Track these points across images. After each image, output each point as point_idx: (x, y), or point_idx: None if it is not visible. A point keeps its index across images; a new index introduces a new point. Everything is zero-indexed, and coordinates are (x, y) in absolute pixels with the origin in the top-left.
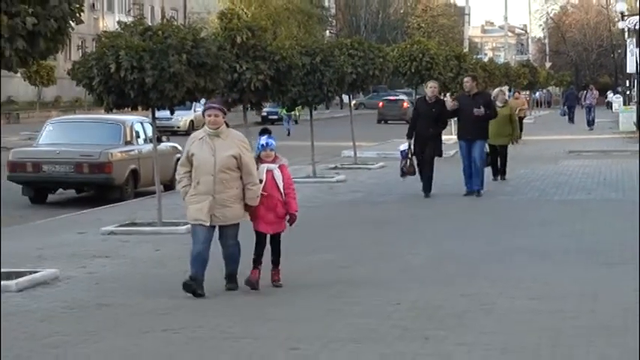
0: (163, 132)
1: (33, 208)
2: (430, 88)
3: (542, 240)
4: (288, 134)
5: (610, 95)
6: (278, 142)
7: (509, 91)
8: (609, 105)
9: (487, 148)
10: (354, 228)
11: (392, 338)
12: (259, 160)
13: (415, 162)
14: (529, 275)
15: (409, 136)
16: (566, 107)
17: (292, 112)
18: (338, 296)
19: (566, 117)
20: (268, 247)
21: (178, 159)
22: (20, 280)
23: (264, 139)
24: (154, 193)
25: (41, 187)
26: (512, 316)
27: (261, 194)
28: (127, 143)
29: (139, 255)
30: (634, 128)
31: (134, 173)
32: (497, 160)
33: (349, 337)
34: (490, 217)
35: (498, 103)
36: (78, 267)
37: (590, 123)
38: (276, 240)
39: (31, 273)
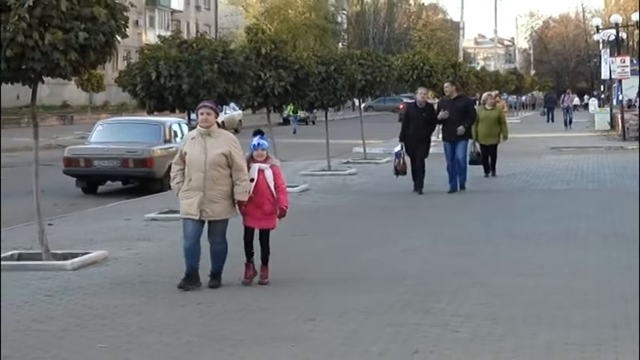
0: None
1: (85, 198)
2: (420, 95)
3: (527, 225)
4: (294, 132)
5: (586, 98)
6: (288, 139)
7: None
8: (586, 106)
9: (478, 148)
10: (364, 214)
11: (396, 310)
12: (252, 159)
13: (408, 162)
14: (516, 255)
15: (402, 139)
16: (546, 109)
17: (297, 114)
18: (349, 274)
19: (546, 117)
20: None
21: None
22: (74, 260)
23: (256, 140)
24: None
25: (92, 179)
26: (501, 291)
27: (251, 193)
28: (166, 141)
29: (177, 238)
30: (608, 127)
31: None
32: (488, 158)
33: (359, 309)
34: (481, 205)
35: (487, 107)
36: (124, 249)
37: (568, 123)
38: (264, 236)
39: (83, 254)
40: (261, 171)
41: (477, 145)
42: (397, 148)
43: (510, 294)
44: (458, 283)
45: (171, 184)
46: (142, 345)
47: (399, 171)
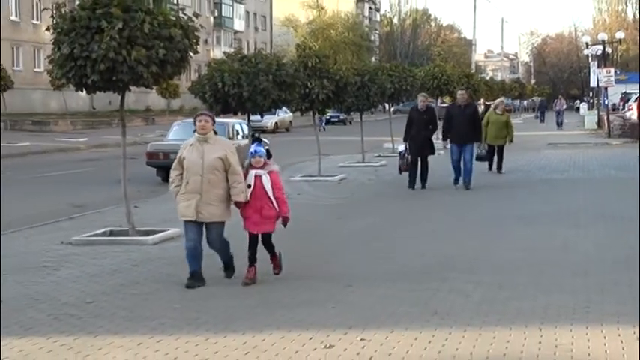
0: (255, 130)
1: (163, 185)
2: (421, 99)
3: (527, 208)
4: (324, 130)
5: (577, 102)
6: (328, 137)
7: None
8: (577, 109)
9: (486, 148)
10: (392, 200)
11: (419, 278)
12: (250, 166)
13: (410, 160)
14: (519, 233)
15: (405, 140)
16: (539, 112)
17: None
18: (380, 249)
19: (538, 119)
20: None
21: (267, 150)
22: (155, 236)
23: (253, 147)
24: None
25: (169, 170)
26: (506, 263)
27: (249, 198)
28: (230, 139)
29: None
30: (595, 127)
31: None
32: (494, 156)
33: (388, 277)
34: (487, 192)
35: (498, 112)
36: None
37: (560, 124)
38: (265, 239)
39: (162, 231)
40: (257, 177)
41: (486, 144)
42: (401, 148)
43: (513, 265)
44: (470, 256)
45: (170, 188)
46: (209, 307)
47: (403, 170)
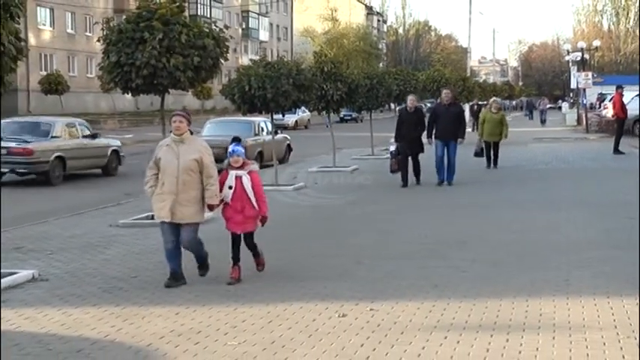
0: (278, 127)
1: None
2: (410, 101)
3: (516, 194)
4: (328, 126)
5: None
6: (342, 133)
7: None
8: (560, 108)
9: (483, 144)
10: (399, 188)
11: (421, 256)
12: (229, 166)
13: (400, 160)
14: (508, 217)
15: (396, 139)
16: (527, 110)
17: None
18: (387, 230)
19: (527, 117)
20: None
21: (288, 144)
22: None
23: (231, 147)
24: (272, 165)
25: None
26: (497, 243)
27: (230, 199)
28: (256, 135)
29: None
30: (575, 123)
31: (260, 153)
32: (491, 153)
33: (396, 255)
34: (480, 181)
35: (493, 110)
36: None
37: (543, 122)
38: (248, 239)
39: None
40: (238, 177)
41: (482, 141)
42: (392, 147)
43: (504, 245)
44: (466, 237)
45: (145, 188)
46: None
47: (394, 170)
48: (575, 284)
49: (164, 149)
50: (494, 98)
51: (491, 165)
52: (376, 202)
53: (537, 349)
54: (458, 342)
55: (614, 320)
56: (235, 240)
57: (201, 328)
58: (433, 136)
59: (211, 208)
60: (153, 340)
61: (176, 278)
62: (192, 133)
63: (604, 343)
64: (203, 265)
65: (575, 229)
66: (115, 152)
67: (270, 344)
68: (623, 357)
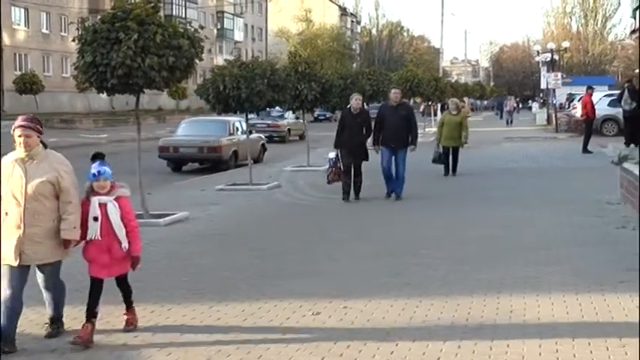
0: (252, 127)
1: (173, 174)
2: (355, 100)
3: (487, 193)
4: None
5: (530, 102)
6: (314, 133)
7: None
8: (530, 108)
9: (440, 149)
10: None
11: (393, 254)
12: (92, 192)
13: (343, 169)
14: (479, 214)
15: (336, 146)
16: (497, 110)
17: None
18: (361, 230)
19: (498, 116)
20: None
21: (263, 144)
22: (166, 218)
23: (95, 167)
24: (247, 165)
25: (178, 162)
26: (467, 240)
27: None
28: (231, 134)
29: (239, 203)
30: (545, 123)
31: (235, 153)
32: (449, 159)
33: (367, 254)
34: (453, 180)
35: (452, 111)
36: (201, 211)
37: (509, 122)
38: (121, 282)
39: (172, 214)
40: (102, 205)
41: (440, 146)
42: (332, 155)
43: (474, 242)
44: (437, 234)
45: None
46: (214, 278)
47: (332, 180)
48: (544, 281)
49: (6, 167)
50: (451, 99)
51: (450, 172)
52: (370, 194)
53: (508, 345)
54: (430, 339)
55: (583, 317)
56: (96, 287)
57: (175, 326)
58: (380, 145)
59: (67, 244)
60: (127, 338)
61: (7, 342)
62: (46, 147)
63: (573, 339)
64: (57, 318)
65: (543, 226)
66: None
67: (244, 342)
68: (591, 352)
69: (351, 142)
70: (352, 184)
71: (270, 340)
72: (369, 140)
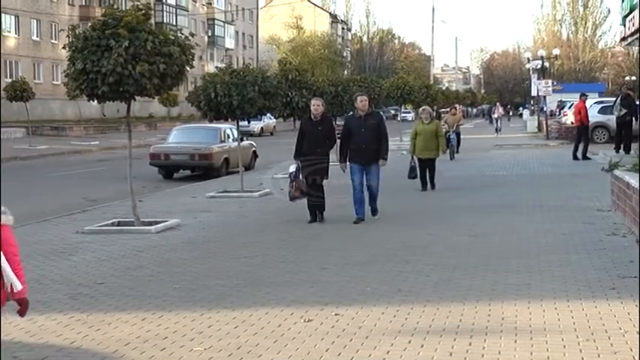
0: (244, 134)
1: (164, 182)
2: (314, 106)
3: (477, 199)
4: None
5: (520, 109)
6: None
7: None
8: (521, 115)
9: (415, 162)
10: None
11: (385, 261)
12: None
13: (306, 183)
14: (469, 221)
15: (296, 157)
16: (488, 116)
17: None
18: (352, 236)
19: (488, 122)
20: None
21: (254, 151)
22: (157, 225)
23: None
24: (238, 172)
25: (169, 169)
26: (459, 247)
27: None
28: (222, 141)
29: (230, 210)
30: (536, 130)
31: (226, 160)
32: (426, 173)
33: (358, 261)
34: (442, 185)
35: (424, 120)
36: (192, 218)
37: (497, 130)
38: None
39: (163, 221)
40: None
41: (415, 158)
42: (292, 168)
43: (466, 248)
44: (429, 241)
45: None
46: (204, 286)
47: (294, 196)
48: (536, 288)
49: None
50: (422, 107)
51: (427, 187)
52: (342, 207)
53: (499, 352)
54: (422, 346)
55: (574, 323)
56: None
57: (167, 334)
58: (347, 161)
59: None
60: (118, 346)
61: None
62: None
63: (564, 346)
64: None
65: (534, 232)
66: None
67: (236, 350)
68: (583, 359)
69: (311, 154)
70: (314, 203)
71: (262, 348)
72: (334, 156)
